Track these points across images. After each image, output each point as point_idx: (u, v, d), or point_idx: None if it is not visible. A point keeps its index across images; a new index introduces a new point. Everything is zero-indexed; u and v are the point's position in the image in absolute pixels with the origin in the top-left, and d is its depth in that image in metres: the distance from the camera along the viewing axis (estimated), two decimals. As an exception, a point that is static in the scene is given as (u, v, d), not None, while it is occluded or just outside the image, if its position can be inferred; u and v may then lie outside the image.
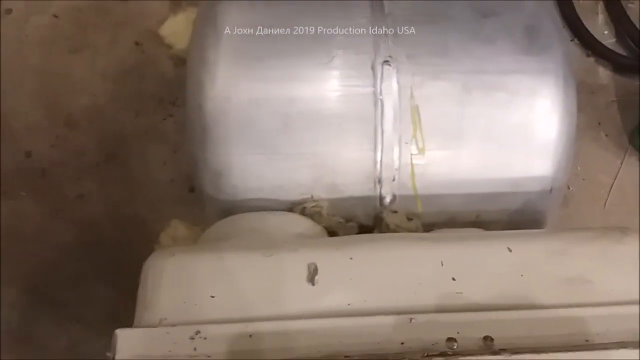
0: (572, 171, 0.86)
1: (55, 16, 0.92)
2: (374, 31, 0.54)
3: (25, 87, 0.89)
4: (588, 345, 0.43)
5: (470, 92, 0.54)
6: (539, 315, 0.44)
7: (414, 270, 0.46)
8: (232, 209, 0.55)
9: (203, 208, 0.58)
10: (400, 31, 0.55)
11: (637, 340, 0.43)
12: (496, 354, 0.41)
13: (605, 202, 0.90)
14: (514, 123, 0.54)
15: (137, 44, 0.91)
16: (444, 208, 0.56)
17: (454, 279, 0.46)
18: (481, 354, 0.41)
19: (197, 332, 0.42)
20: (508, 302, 0.45)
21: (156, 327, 0.43)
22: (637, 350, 0.42)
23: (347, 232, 0.55)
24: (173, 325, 0.43)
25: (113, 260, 0.84)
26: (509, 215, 0.57)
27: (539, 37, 0.55)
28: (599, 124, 0.93)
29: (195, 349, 0.42)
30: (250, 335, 0.43)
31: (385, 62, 0.53)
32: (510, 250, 0.48)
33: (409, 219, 0.56)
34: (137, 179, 0.86)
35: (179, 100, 0.89)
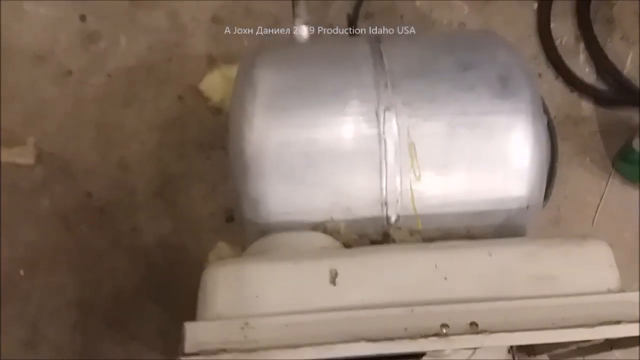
0: (561, 194, 0.97)
1: (109, 75, 1.08)
2: (377, 84, 0.68)
3: (84, 137, 1.04)
4: (554, 327, 0.54)
5: (456, 130, 0.66)
6: (514, 305, 0.56)
7: (414, 272, 0.58)
8: (267, 230, 0.67)
9: (244, 230, 0.71)
10: (398, 83, 0.68)
11: (596, 322, 0.54)
12: (478, 334, 0.53)
13: (593, 220, 1.01)
14: (493, 153, 0.66)
15: (179, 97, 1.06)
16: (440, 225, 0.68)
17: (445, 278, 0.58)
18: (467, 334, 0.53)
19: (246, 324, 0.55)
20: (489, 295, 0.56)
21: (214, 320, 0.56)
22: (594, 329, 0.53)
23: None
24: (227, 318, 0.56)
25: (162, 283, 0.97)
26: (494, 229, 0.68)
27: (510, 83, 0.68)
28: (584, 151, 1.05)
29: (245, 336, 0.54)
30: (286, 325, 0.55)
31: (387, 109, 0.66)
32: (490, 255, 0.59)
33: (411, 235, 0.68)
34: (181, 213, 1.00)
35: (217, 144, 1.03)
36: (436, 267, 0.58)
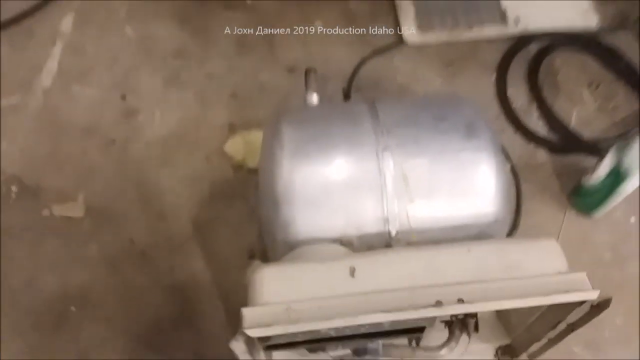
0: (527, 224, 1.17)
1: (147, 143, 1.29)
2: (376, 132, 0.90)
3: (127, 193, 1.23)
4: (519, 297, 0.72)
5: (437, 164, 0.87)
6: (489, 285, 0.74)
7: (413, 265, 0.77)
8: (295, 246, 0.86)
9: (275, 250, 0.90)
10: (391, 131, 0.90)
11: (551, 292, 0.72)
12: (464, 303, 0.71)
13: (556, 245, 1.20)
14: (466, 180, 0.87)
15: (206, 158, 1.27)
16: (430, 237, 0.87)
17: (437, 269, 0.76)
18: (456, 304, 0.71)
19: (289, 307, 0.72)
20: (469, 280, 0.75)
21: (263, 306, 0.73)
22: (549, 297, 0.72)
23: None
24: (273, 304, 0.73)
25: (196, 313, 1.13)
26: (471, 239, 0.88)
27: (473, 129, 0.90)
28: (544, 190, 1.26)
29: (289, 315, 0.72)
30: (319, 307, 0.73)
31: (384, 149, 0.88)
32: (469, 251, 0.79)
33: (408, 245, 0.87)
34: (211, 253, 1.17)
35: (238, 195, 1.23)
36: (429, 260, 0.77)
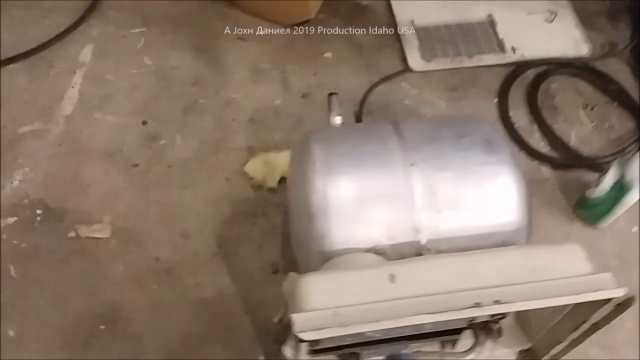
0: (536, 237, 1.23)
1: (169, 166, 1.33)
2: (403, 148, 0.96)
3: (151, 214, 1.26)
4: (550, 296, 0.78)
5: (461, 177, 0.94)
6: (521, 287, 0.79)
7: (450, 271, 0.81)
8: (331, 256, 0.91)
9: (309, 261, 0.94)
10: (416, 148, 0.96)
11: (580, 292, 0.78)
12: (501, 304, 0.76)
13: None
14: (489, 191, 0.93)
15: (227, 179, 1.32)
16: (457, 245, 0.92)
17: (471, 273, 0.81)
18: (493, 305, 0.76)
19: (335, 312, 0.76)
20: (502, 283, 0.80)
21: (311, 312, 0.77)
22: (579, 296, 0.77)
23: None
24: (320, 309, 0.77)
25: (223, 327, 1.15)
26: (496, 246, 0.94)
27: (493, 144, 0.97)
28: (550, 204, 1.33)
29: (336, 320, 0.76)
30: (364, 311, 0.77)
31: (411, 164, 0.94)
32: (499, 257, 0.84)
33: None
34: (235, 269, 1.20)
35: (259, 213, 1.27)
36: (463, 267, 0.82)
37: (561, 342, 0.95)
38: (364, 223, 0.91)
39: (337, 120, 1.09)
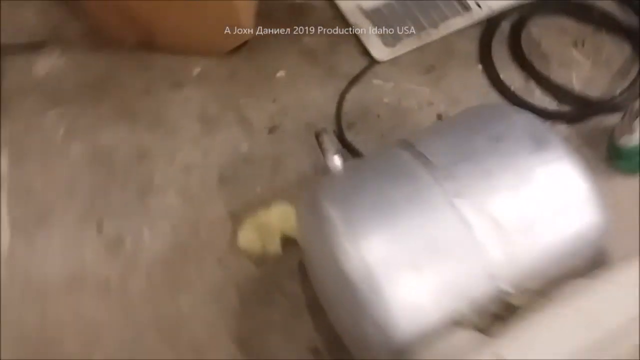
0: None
1: (148, 272, 1.09)
2: (437, 180, 0.75)
3: (147, 339, 1.01)
4: None
5: (519, 192, 0.75)
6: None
7: (560, 325, 0.63)
8: (402, 348, 0.70)
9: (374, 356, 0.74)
10: (452, 173, 0.76)
11: None
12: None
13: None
14: (557, 197, 0.75)
15: (219, 261, 1.08)
16: (544, 273, 0.73)
17: (594, 319, 0.63)
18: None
19: None
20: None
21: None
22: None
23: (492, 326, 0.71)
24: None
25: None
26: (587, 261, 0.76)
27: (539, 138, 0.78)
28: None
29: None
30: None
31: (455, 196, 0.74)
32: (610, 282, 0.66)
33: (523, 293, 0.74)
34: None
35: (273, 290, 1.05)
36: (578, 313, 0.64)
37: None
38: (430, 288, 0.71)
39: (337, 161, 0.88)
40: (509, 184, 0.75)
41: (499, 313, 0.72)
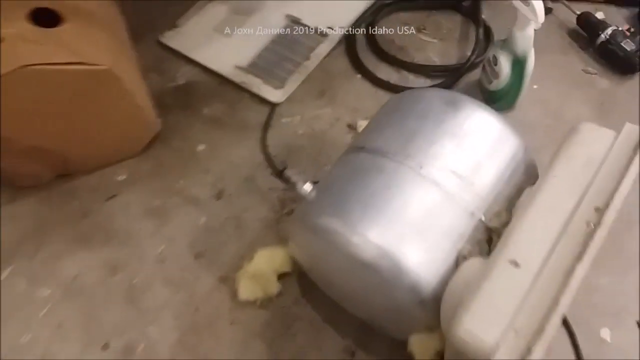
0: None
1: (172, 362, 1.12)
2: (398, 162, 0.93)
3: None
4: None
5: (458, 144, 0.95)
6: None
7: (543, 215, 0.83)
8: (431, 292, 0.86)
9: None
10: (405, 151, 0.94)
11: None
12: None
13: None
14: (484, 138, 0.97)
15: (232, 324, 1.15)
16: (503, 195, 0.94)
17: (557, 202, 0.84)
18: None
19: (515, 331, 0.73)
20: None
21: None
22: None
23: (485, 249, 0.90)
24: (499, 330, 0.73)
25: None
26: (526, 173, 0.98)
27: (452, 99, 1.00)
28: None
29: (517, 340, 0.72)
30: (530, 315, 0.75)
31: (421, 168, 0.92)
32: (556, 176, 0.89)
33: (498, 216, 0.93)
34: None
35: (289, 324, 1.15)
36: (548, 196, 0.84)
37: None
38: (434, 245, 0.88)
39: (308, 187, 1.01)
40: (451, 143, 0.95)
41: (486, 237, 0.91)
